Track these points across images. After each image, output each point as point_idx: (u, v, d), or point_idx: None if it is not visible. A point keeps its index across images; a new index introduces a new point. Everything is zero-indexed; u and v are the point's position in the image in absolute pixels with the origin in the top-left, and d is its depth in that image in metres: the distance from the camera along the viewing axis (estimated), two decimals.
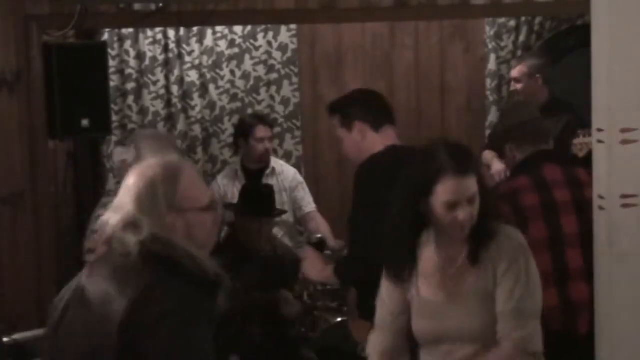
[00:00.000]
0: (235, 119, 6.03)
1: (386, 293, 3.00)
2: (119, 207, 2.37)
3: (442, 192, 2.77)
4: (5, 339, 3.65)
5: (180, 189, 2.37)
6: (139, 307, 2.24)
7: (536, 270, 2.87)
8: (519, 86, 5.60)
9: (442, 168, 2.77)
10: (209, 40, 6.07)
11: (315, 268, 3.81)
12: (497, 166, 5.17)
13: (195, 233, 2.38)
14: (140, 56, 6.00)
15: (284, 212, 5.11)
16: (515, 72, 5.64)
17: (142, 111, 6.04)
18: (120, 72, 6.00)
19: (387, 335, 3.02)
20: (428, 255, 2.92)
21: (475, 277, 2.83)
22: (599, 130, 3.22)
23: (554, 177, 3.69)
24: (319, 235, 5.18)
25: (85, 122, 4.53)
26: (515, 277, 2.79)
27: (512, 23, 6.28)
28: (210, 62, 6.09)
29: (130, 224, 2.33)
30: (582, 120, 5.09)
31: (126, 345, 2.23)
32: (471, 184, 2.79)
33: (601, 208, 3.23)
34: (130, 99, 6.02)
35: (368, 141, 3.72)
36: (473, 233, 2.82)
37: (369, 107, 3.78)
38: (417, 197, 2.81)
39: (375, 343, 3.06)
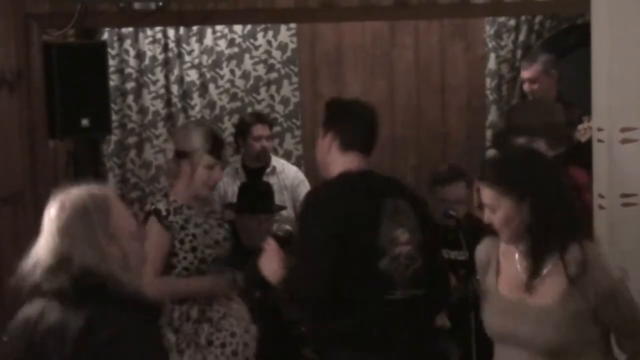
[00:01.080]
0: (235, 118, 6.03)
1: None
2: (47, 242, 2.35)
3: None
4: (5, 339, 3.65)
5: (112, 217, 2.38)
6: (83, 342, 2.22)
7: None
8: (535, 86, 5.51)
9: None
10: (208, 40, 6.07)
11: (270, 266, 3.38)
12: None
13: (129, 259, 2.38)
14: (140, 55, 6.00)
15: (284, 207, 5.11)
16: (529, 73, 5.53)
17: (142, 110, 6.04)
18: (120, 71, 6.00)
19: None
20: (512, 254, 2.90)
21: (564, 293, 2.78)
22: (599, 129, 3.22)
23: (582, 180, 3.70)
24: (288, 227, 4.89)
25: (85, 122, 4.53)
26: (621, 300, 2.78)
27: (512, 22, 6.28)
28: (210, 61, 6.09)
29: (61, 259, 2.32)
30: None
31: None
32: (487, 193, 2.82)
33: (601, 207, 3.23)
34: (130, 99, 6.02)
35: (332, 156, 3.43)
36: (530, 250, 2.81)
37: (348, 125, 3.43)
38: None
39: None
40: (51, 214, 2.38)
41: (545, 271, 2.79)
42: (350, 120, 3.44)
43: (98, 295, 2.28)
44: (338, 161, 3.39)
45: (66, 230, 2.33)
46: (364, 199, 3.28)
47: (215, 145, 3.95)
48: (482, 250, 3.02)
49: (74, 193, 2.41)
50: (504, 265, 2.92)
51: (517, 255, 2.87)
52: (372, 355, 3.24)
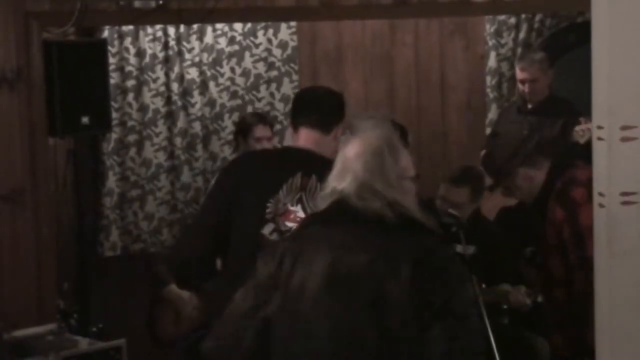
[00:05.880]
0: (235, 116, 6.03)
1: None
2: (344, 174, 2.51)
3: None
4: (5, 336, 3.66)
5: (400, 159, 2.56)
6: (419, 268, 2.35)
7: None
8: (537, 85, 5.47)
9: None
10: (209, 38, 6.07)
11: None
12: None
13: (406, 200, 2.53)
14: (140, 53, 6.01)
15: None
16: (530, 74, 5.48)
17: (142, 108, 6.05)
18: (121, 69, 6.00)
19: None
20: None
21: None
22: (599, 127, 3.22)
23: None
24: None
25: (85, 120, 4.53)
26: None
27: (512, 20, 6.28)
28: (210, 59, 6.09)
29: (366, 189, 2.47)
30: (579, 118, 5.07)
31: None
32: None
33: (601, 205, 3.23)
34: (131, 97, 6.03)
35: (293, 138, 3.60)
36: None
37: (293, 107, 3.67)
38: None
39: None
40: (349, 155, 2.54)
41: None
42: (296, 104, 3.65)
43: (414, 225, 2.44)
44: (293, 140, 3.57)
45: (366, 168, 2.50)
46: (265, 170, 3.41)
47: None
48: None
49: (372, 136, 2.57)
50: None
51: None
52: None
